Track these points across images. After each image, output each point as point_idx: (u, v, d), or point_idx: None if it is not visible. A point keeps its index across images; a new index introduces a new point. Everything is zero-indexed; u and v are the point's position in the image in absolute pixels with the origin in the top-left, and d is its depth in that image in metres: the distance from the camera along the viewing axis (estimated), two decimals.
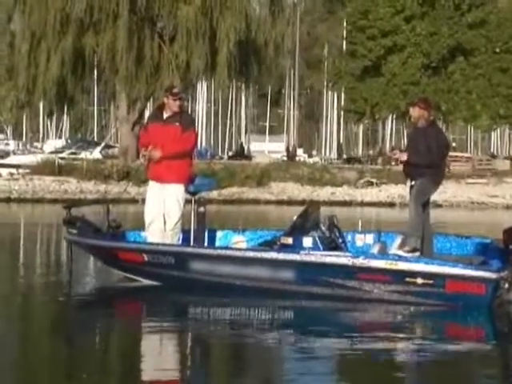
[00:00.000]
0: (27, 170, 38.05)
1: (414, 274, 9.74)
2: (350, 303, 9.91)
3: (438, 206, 37.52)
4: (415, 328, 9.28)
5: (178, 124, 10.71)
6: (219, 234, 11.72)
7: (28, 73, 39.98)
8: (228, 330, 8.83)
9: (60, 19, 38.22)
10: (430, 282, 9.68)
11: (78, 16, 38.21)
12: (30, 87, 40.80)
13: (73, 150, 46.78)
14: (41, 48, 39.41)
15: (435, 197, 40.81)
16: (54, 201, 30.98)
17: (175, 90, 10.96)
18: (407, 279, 9.76)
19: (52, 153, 45.23)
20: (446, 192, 40.11)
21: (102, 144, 51.79)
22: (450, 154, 55.01)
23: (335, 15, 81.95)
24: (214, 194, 37.27)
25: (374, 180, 42.54)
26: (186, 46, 39.49)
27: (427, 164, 10.49)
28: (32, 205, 31.57)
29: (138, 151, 11.10)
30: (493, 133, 74.34)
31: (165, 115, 10.83)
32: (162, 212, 10.79)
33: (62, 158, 40.59)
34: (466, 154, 56.62)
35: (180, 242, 10.96)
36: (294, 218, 10.68)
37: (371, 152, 77.97)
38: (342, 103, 67.29)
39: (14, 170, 38.14)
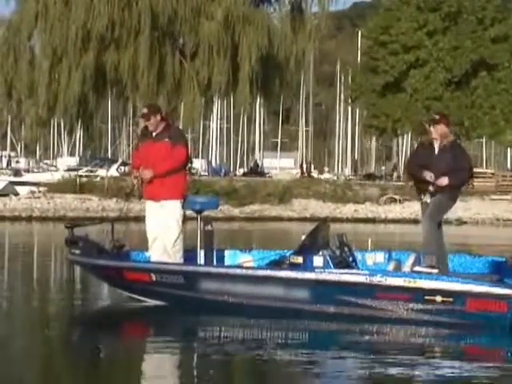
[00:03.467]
0: (45, 188, 37.88)
1: (434, 292, 9.50)
2: (367, 322, 9.64)
3: (462, 222, 37.11)
4: (435, 348, 8.99)
5: (167, 140, 10.59)
6: (226, 253, 11.47)
7: (49, 90, 39.81)
8: (240, 352, 8.49)
9: (81, 35, 38.07)
10: (450, 299, 9.46)
11: (100, 32, 38.04)
12: (50, 104, 40.63)
13: (89, 168, 46.58)
14: (62, 65, 39.26)
15: (460, 213, 40.34)
16: (76, 219, 30.68)
17: (142, 111, 10.88)
18: (426, 297, 9.52)
19: (68, 170, 45.07)
20: (470, 209, 39.67)
21: (119, 161, 51.56)
22: (474, 170, 54.56)
23: (343, 31, 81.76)
24: (236, 211, 37.06)
25: (397, 197, 42.14)
26: (207, 62, 39.25)
27: (461, 184, 10.25)
28: (53, 223, 31.33)
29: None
30: (509, 149, 73.51)
31: (153, 133, 10.71)
32: (162, 229, 10.64)
33: (80, 176, 40.46)
34: (489, 170, 56.07)
35: (182, 259, 10.73)
36: (303, 237, 10.48)
37: (383, 168, 77.68)
38: (357, 119, 66.82)
39: (34, 188, 37.97)
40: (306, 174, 59.88)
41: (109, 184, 37.82)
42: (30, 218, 32.75)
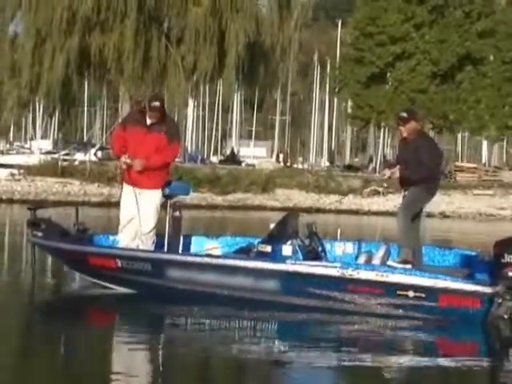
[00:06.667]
0: (22, 171, 37.33)
1: (406, 287, 9.35)
2: (338, 316, 9.43)
3: (445, 216, 37.11)
4: (405, 343, 8.86)
5: (163, 133, 10.25)
6: (193, 239, 11.13)
7: (32, 71, 39.30)
8: (206, 343, 8.26)
9: (66, 17, 37.59)
10: (422, 295, 9.32)
11: (85, 14, 37.59)
12: (33, 86, 40.13)
13: (67, 151, 45.85)
14: (46, 46, 38.79)
15: (443, 207, 40.14)
16: (58, 203, 30.21)
17: (154, 104, 10.23)
18: (398, 292, 9.38)
19: (45, 153, 44.29)
20: (453, 203, 39.66)
21: (97, 146, 50.87)
22: (457, 164, 54.51)
23: (319, 22, 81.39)
24: (219, 199, 36.78)
25: (381, 189, 41.94)
26: (193, 48, 38.92)
27: (419, 178, 9.98)
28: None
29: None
30: (484, 144, 73.23)
31: (148, 121, 10.28)
32: (137, 215, 10.30)
33: (61, 160, 39.83)
34: (472, 165, 56.00)
35: (153, 247, 10.44)
36: (272, 225, 10.27)
37: (356, 159, 77.54)
38: (334, 110, 66.53)
39: (15, 171, 37.41)
40: (282, 164, 59.62)
41: (91, 168, 37.36)
42: (11, 201, 32.30)
